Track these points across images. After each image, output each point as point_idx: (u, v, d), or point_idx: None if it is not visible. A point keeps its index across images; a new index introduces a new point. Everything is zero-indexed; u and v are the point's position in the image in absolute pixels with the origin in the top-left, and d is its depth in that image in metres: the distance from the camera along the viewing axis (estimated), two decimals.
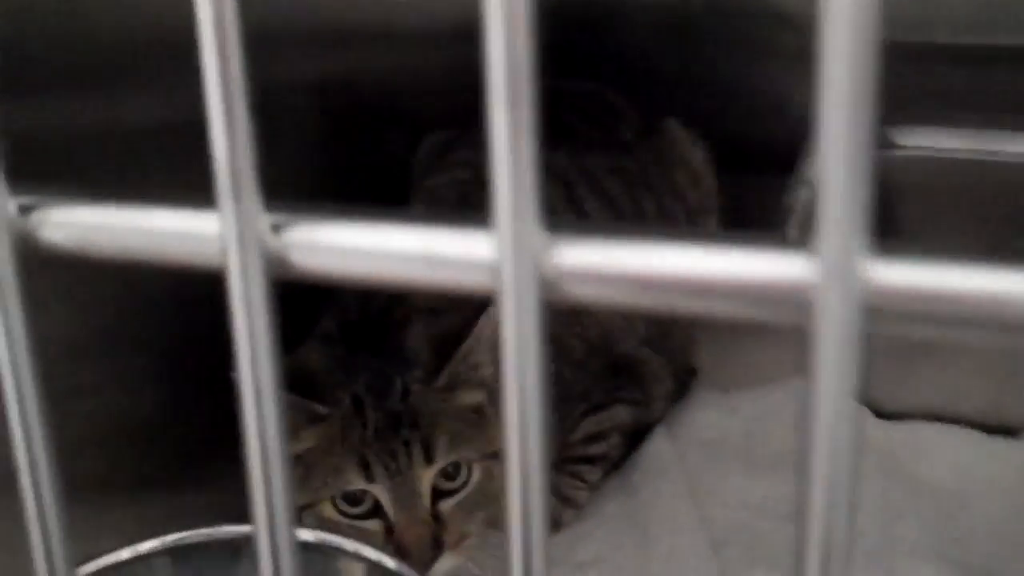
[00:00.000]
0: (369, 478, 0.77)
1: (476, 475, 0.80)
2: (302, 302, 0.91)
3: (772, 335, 1.15)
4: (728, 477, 0.97)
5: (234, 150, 0.21)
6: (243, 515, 0.25)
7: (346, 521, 0.79)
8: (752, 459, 0.99)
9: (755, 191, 1.26)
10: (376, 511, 0.78)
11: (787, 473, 0.97)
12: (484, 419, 0.82)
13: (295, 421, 0.79)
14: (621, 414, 0.97)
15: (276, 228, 0.21)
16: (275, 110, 0.96)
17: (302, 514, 0.80)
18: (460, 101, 1.23)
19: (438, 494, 0.79)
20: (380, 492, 0.78)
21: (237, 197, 0.21)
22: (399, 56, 1.13)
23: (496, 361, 0.83)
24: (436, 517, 0.79)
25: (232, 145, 0.21)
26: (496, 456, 0.82)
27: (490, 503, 0.82)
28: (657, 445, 0.99)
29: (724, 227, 1.17)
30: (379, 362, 0.82)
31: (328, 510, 0.79)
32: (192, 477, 0.86)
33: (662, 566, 0.90)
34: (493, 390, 0.83)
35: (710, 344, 1.14)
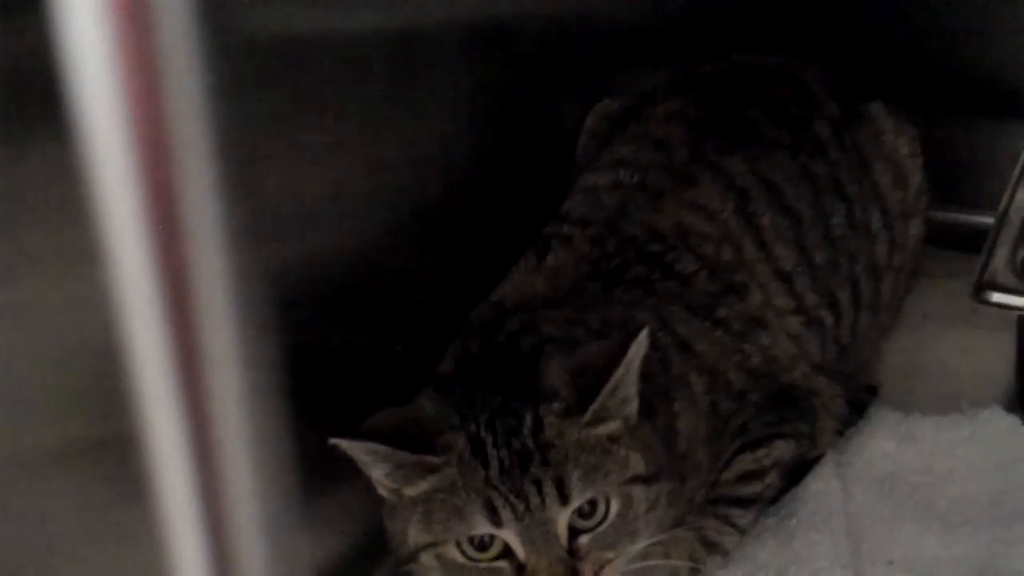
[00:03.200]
0: (496, 522, 0.72)
1: (615, 506, 0.74)
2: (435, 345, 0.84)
3: (972, 353, 1.02)
4: (899, 527, 0.87)
5: None
6: None
7: (471, 564, 0.73)
8: (928, 505, 0.89)
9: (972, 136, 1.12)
10: (506, 554, 0.73)
11: (965, 529, 0.87)
12: (619, 446, 0.76)
13: (409, 475, 0.73)
14: (782, 450, 0.87)
15: None
16: (417, 67, 0.87)
17: (422, 554, 0.74)
18: (643, 55, 1.11)
19: (574, 532, 0.73)
20: (509, 536, 0.72)
21: None
22: None
23: (640, 392, 0.76)
24: (572, 552, 0.73)
25: None
26: (635, 480, 0.76)
27: (632, 526, 0.75)
28: (822, 484, 0.89)
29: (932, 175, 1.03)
30: (504, 397, 0.75)
31: (452, 552, 0.73)
32: None
33: None
34: (631, 417, 0.76)
35: (897, 354, 1.02)
